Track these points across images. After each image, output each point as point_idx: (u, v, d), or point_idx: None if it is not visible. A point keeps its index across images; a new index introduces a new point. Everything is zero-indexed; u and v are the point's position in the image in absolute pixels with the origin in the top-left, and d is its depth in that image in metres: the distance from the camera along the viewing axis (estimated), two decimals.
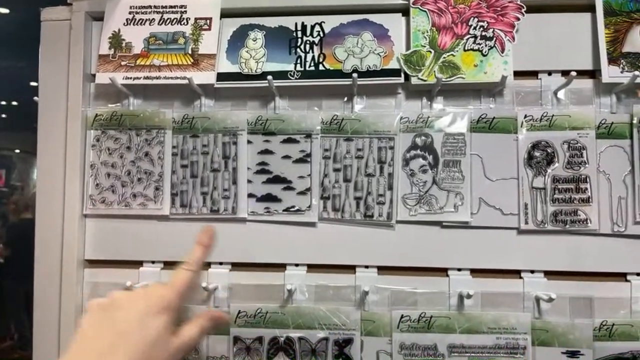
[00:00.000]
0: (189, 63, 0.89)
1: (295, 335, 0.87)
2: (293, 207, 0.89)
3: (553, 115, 0.85)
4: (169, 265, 0.92)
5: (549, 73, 0.87)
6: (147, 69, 0.89)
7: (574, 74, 0.80)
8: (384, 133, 0.88)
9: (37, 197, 0.93)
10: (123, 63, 0.90)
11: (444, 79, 0.84)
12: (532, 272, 0.85)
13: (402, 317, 0.85)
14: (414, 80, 0.85)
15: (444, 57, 0.85)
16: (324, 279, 0.89)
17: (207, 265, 0.91)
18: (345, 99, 0.90)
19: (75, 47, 0.92)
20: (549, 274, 0.85)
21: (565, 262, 0.85)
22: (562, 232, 0.84)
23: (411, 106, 0.89)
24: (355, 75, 0.84)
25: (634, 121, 0.84)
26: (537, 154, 0.85)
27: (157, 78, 0.89)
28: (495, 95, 0.87)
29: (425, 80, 0.85)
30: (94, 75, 0.93)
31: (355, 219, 0.88)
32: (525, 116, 0.86)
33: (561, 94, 0.86)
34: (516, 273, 0.86)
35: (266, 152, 0.90)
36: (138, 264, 0.92)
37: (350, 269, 0.89)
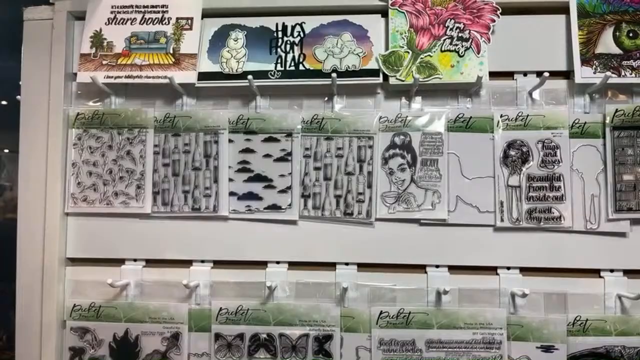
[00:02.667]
0: (171, 62, 0.90)
1: (276, 332, 0.88)
2: (274, 205, 0.90)
3: (528, 115, 0.87)
4: (151, 263, 0.93)
5: (525, 74, 0.89)
6: (128, 68, 0.90)
7: (546, 74, 0.82)
8: (363, 132, 0.89)
9: (19, 196, 0.93)
10: (104, 62, 0.91)
11: (421, 79, 0.85)
12: (508, 268, 0.87)
13: (381, 313, 0.86)
14: (392, 81, 0.87)
15: (422, 58, 0.87)
16: (304, 276, 0.90)
17: (189, 263, 0.92)
18: (326, 98, 0.92)
19: (57, 46, 0.93)
20: (524, 270, 0.87)
21: (540, 259, 0.87)
22: (537, 230, 0.86)
23: (390, 106, 0.91)
24: (334, 75, 0.85)
25: (607, 121, 0.86)
26: (512, 152, 0.87)
27: (139, 77, 0.90)
28: (472, 95, 0.89)
29: (403, 81, 0.86)
30: (75, 75, 0.93)
31: (335, 217, 0.89)
32: (501, 116, 0.87)
33: (536, 95, 0.88)
34: (493, 270, 0.88)
35: (247, 150, 0.91)
36: (120, 262, 0.93)
37: (331, 266, 0.90)
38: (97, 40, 0.92)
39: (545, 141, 0.86)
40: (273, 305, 0.89)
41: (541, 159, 0.86)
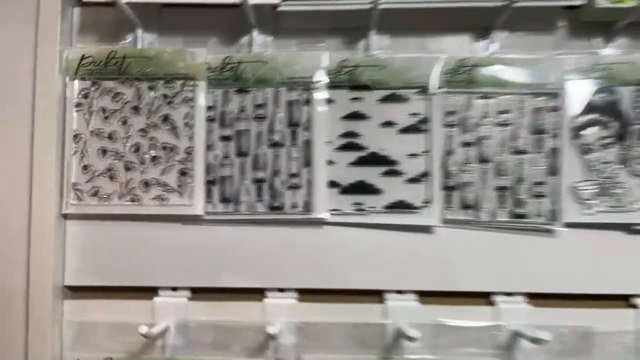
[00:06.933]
0: None
1: None
2: (400, 202, 0.57)
3: None
4: (200, 293, 0.59)
5: None
6: None
7: None
8: (543, 87, 0.56)
9: None
10: None
11: None
12: None
13: None
14: (601, 3, 0.54)
15: None
16: (446, 313, 0.57)
17: (261, 292, 0.58)
18: (478, 34, 0.59)
19: None
20: None
21: None
22: None
23: (580, 48, 0.58)
24: None
25: None
26: None
27: None
28: None
29: (620, 2, 0.54)
30: None
31: (498, 221, 0.57)
32: None
33: None
34: None
35: (356, 116, 0.57)
36: (150, 291, 0.59)
37: (484, 297, 0.58)
38: None
39: None
40: None
41: None
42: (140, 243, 0.58)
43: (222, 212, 0.57)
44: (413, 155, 0.57)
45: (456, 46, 0.59)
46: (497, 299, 0.57)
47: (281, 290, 0.58)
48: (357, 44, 0.59)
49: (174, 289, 0.59)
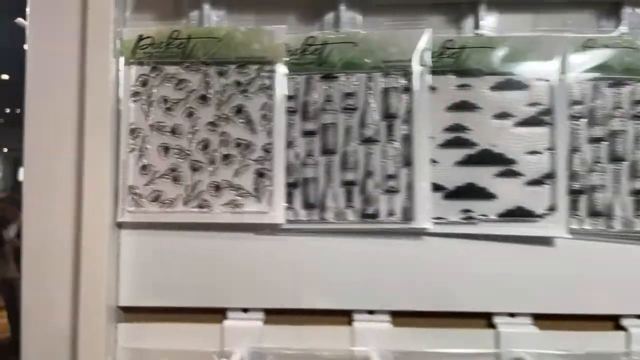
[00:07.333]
0: None
1: None
2: (518, 209, 0.48)
3: None
4: (276, 315, 0.50)
5: None
6: None
7: None
8: None
9: (23, 196, 0.50)
10: None
11: None
12: None
13: None
14: None
15: None
16: (569, 341, 0.48)
17: (347, 315, 0.50)
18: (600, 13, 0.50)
19: None
20: None
21: None
22: None
23: None
24: None
25: None
26: None
27: None
28: None
29: None
30: None
31: (635, 232, 0.48)
32: None
33: None
34: None
35: (463, 106, 0.49)
36: (219, 313, 0.50)
37: (611, 319, 0.49)
38: None
39: None
40: None
41: None
42: (207, 257, 0.49)
43: (306, 220, 0.48)
44: (533, 152, 0.48)
45: (578, 21, 0.50)
46: (627, 322, 0.48)
47: (371, 312, 0.49)
48: (464, 21, 0.50)
49: (245, 310, 0.50)
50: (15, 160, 7.07)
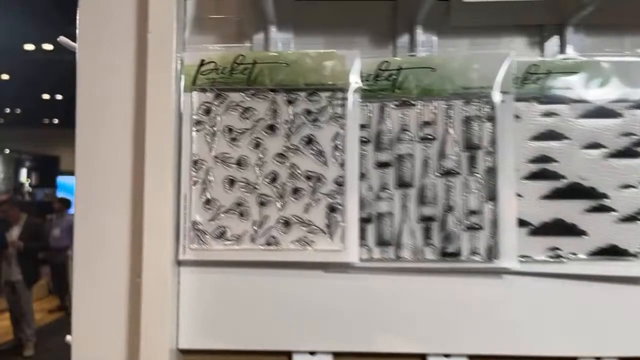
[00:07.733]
0: None
1: None
2: (611, 247, 0.44)
3: None
4: (344, 358, 0.47)
5: None
6: None
7: None
8: None
9: (75, 231, 0.47)
10: None
11: None
12: None
13: None
14: None
15: None
16: None
17: (423, 359, 0.46)
18: None
19: None
20: None
21: None
22: None
23: None
24: None
25: None
26: None
27: None
28: None
29: None
30: None
31: None
32: None
33: None
34: None
35: (550, 136, 0.45)
36: (283, 356, 0.47)
37: None
38: None
39: None
40: None
41: None
42: (273, 296, 0.46)
43: (380, 258, 0.45)
44: (627, 186, 0.44)
45: None
46: None
47: (447, 356, 0.46)
48: (547, 43, 0.47)
49: (313, 353, 0.47)
50: (17, 162, 7.06)
